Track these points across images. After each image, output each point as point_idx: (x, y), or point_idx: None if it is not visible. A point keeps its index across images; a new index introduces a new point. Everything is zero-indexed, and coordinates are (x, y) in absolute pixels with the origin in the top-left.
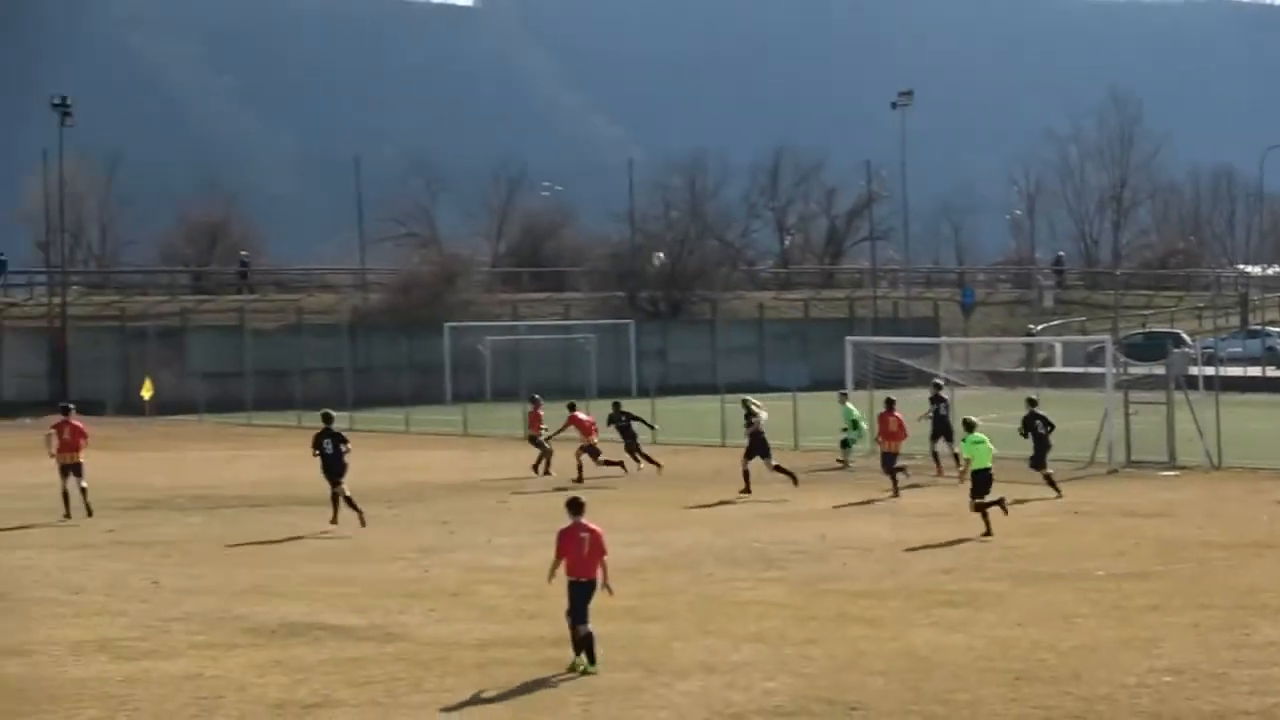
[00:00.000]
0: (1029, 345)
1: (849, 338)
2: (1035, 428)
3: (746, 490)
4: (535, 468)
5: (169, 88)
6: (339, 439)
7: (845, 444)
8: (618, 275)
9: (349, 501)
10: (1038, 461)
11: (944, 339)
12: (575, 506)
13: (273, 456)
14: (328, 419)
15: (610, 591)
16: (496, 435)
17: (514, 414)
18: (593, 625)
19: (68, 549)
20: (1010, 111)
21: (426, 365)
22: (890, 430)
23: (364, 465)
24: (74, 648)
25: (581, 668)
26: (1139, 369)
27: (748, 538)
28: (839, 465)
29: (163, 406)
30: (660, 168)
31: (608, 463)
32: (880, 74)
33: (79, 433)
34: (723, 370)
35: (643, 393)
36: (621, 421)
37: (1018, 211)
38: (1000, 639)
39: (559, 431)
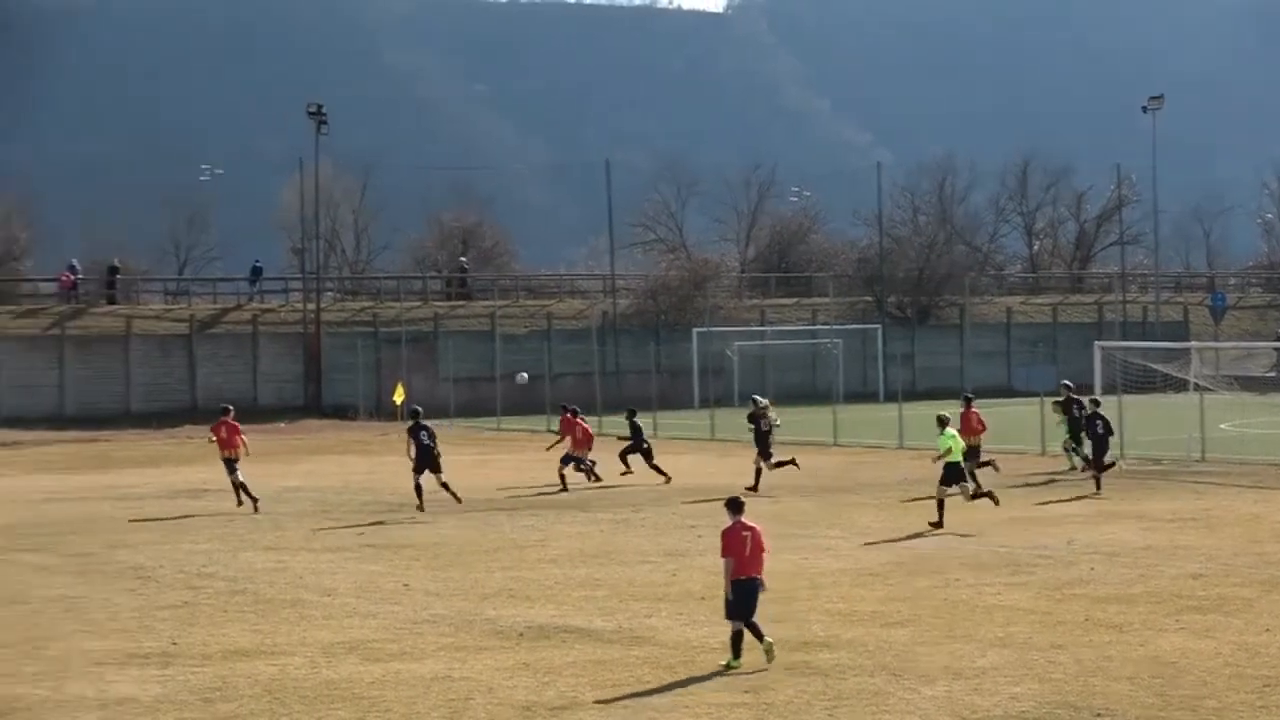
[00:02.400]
0: None
1: (1097, 342)
2: (1095, 428)
3: (753, 487)
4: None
5: (422, 96)
6: (431, 433)
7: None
8: (865, 279)
9: (445, 487)
10: (1097, 463)
11: (1194, 343)
12: (735, 506)
13: (520, 460)
14: (416, 414)
15: (763, 589)
16: (744, 440)
17: None
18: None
19: (319, 551)
20: (1262, 114)
21: (675, 369)
22: (972, 426)
23: (613, 469)
24: (325, 649)
25: (735, 667)
26: None
27: (994, 542)
28: (1073, 469)
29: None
30: (909, 172)
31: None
32: (1130, 77)
33: (235, 431)
34: (970, 374)
35: (890, 397)
36: (640, 433)
37: (1269, 215)
38: (1249, 645)
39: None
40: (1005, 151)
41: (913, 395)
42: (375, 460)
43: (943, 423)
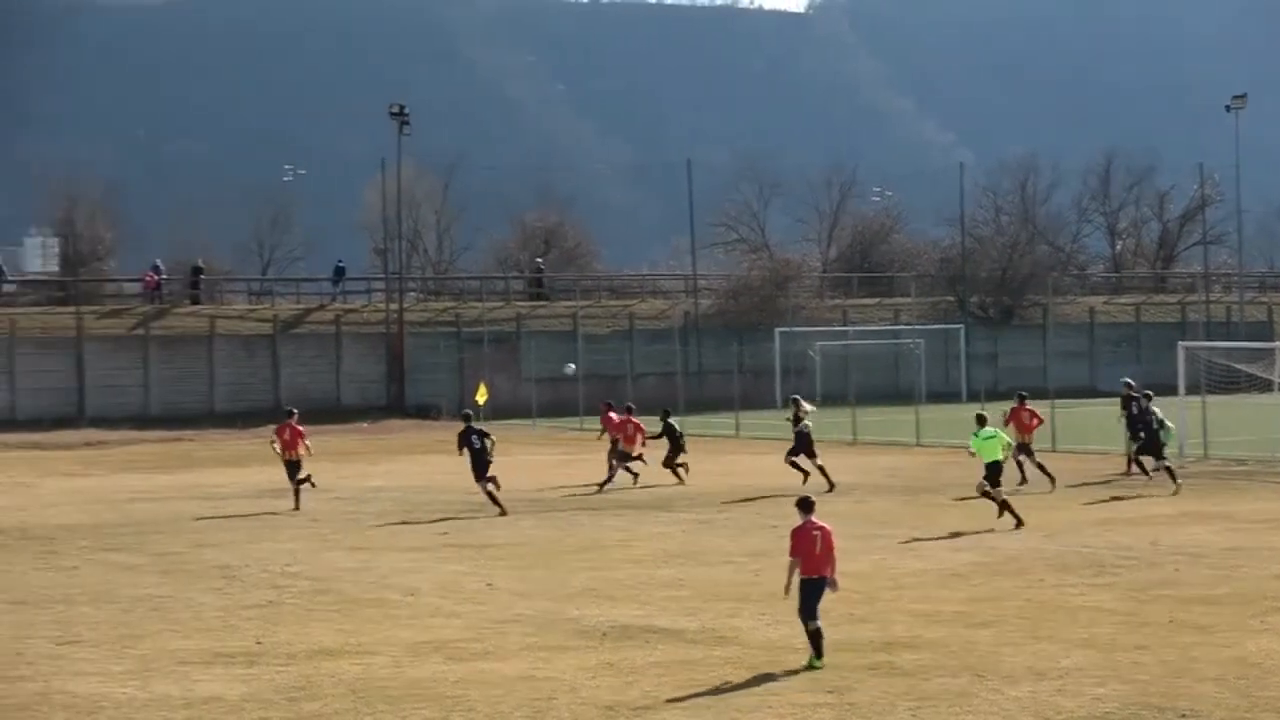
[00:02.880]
0: None
1: (1181, 343)
2: (1149, 422)
3: (805, 478)
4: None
5: (504, 96)
6: (484, 435)
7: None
8: (948, 279)
9: (491, 496)
10: (1156, 453)
11: (1278, 344)
12: (806, 506)
13: (602, 461)
14: (468, 418)
15: (834, 588)
16: (826, 440)
17: (843, 419)
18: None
19: (403, 551)
20: None
21: (757, 369)
22: (1024, 423)
23: (693, 468)
24: (409, 649)
25: (809, 661)
26: None
27: (1078, 543)
28: (1158, 469)
29: (497, 411)
30: (991, 172)
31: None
32: (1213, 76)
33: (297, 434)
34: (1053, 374)
35: (973, 397)
36: (675, 432)
37: None
38: None
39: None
40: (1088, 151)
41: (996, 395)
42: (458, 460)
43: (981, 421)
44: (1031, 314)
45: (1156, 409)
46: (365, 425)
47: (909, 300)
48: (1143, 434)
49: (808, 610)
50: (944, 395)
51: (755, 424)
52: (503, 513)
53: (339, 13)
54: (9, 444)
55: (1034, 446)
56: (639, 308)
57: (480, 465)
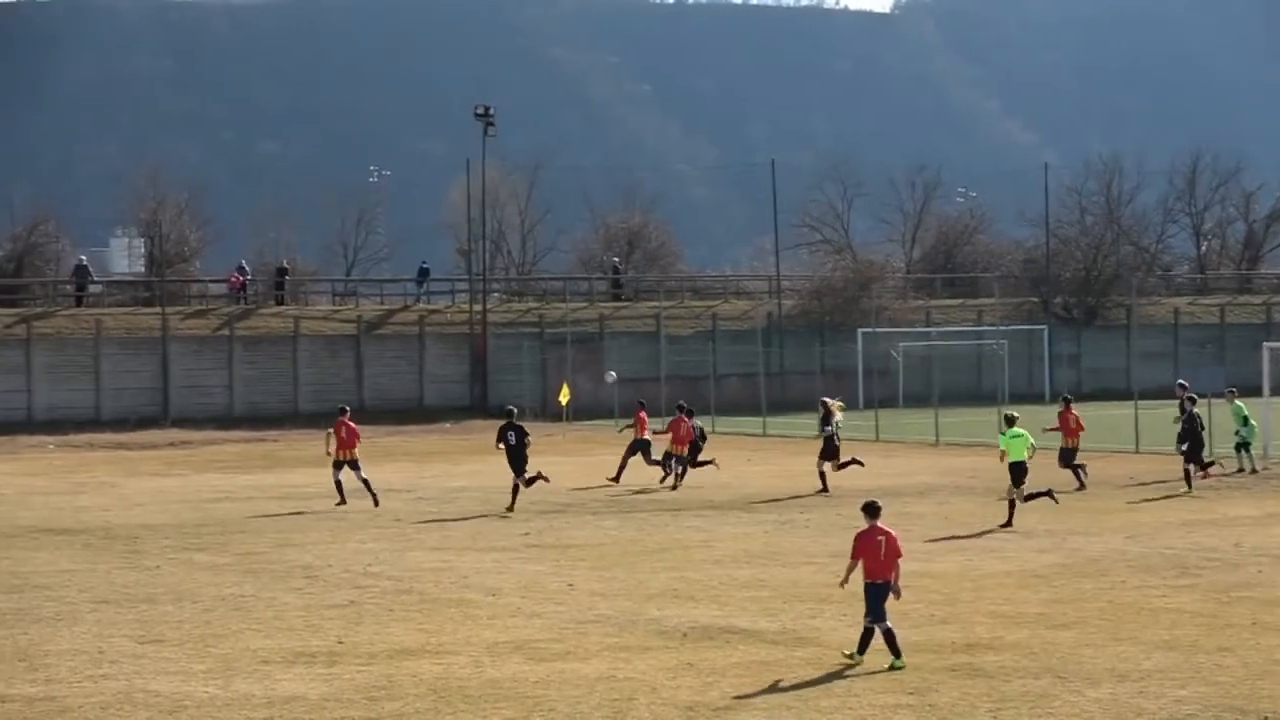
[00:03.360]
0: None
1: (1266, 343)
2: (1195, 426)
3: (824, 490)
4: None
5: (588, 96)
6: (521, 432)
7: (1241, 446)
8: (1031, 280)
9: (515, 490)
10: (1194, 455)
11: None
12: (871, 510)
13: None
14: (509, 414)
15: (898, 595)
16: (909, 441)
17: (926, 420)
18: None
19: (484, 551)
20: None
21: (839, 370)
22: (1069, 427)
23: (775, 470)
24: (490, 649)
25: (897, 666)
26: None
27: (1161, 544)
28: (1241, 470)
29: (579, 411)
30: (1075, 172)
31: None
32: None
33: (354, 432)
34: (1137, 375)
35: (1056, 398)
36: (696, 431)
37: None
38: None
39: (628, 426)
40: (1174, 151)
41: (1079, 396)
42: (540, 461)
43: (1010, 422)
44: (1115, 315)
45: (1198, 412)
46: (448, 426)
47: (992, 301)
48: (1187, 439)
49: (875, 613)
50: (1027, 396)
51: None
52: (510, 508)
53: (423, 15)
54: (94, 444)
55: (1078, 448)
56: (722, 308)
57: (517, 460)
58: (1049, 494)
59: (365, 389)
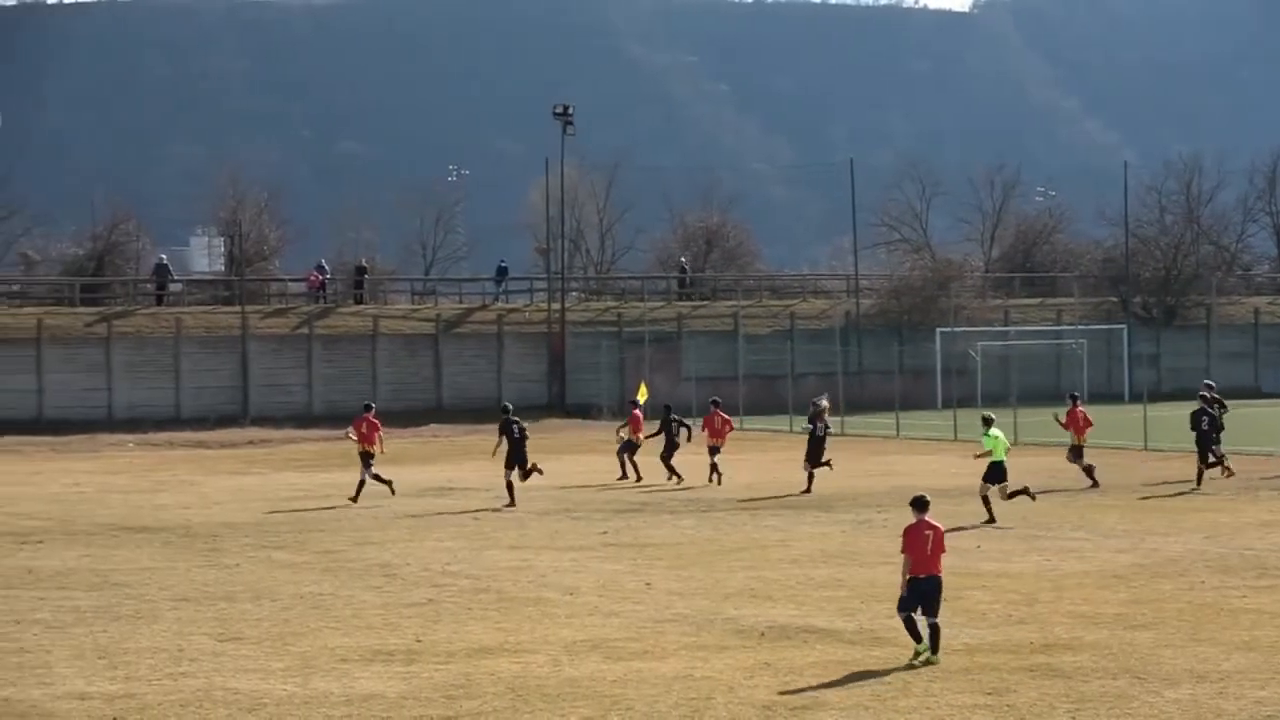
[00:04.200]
0: None
1: None
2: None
3: (807, 490)
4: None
5: (667, 95)
6: (521, 427)
7: None
8: (1110, 279)
9: (510, 485)
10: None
11: None
12: (919, 504)
13: (761, 461)
14: (506, 410)
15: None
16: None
17: (1004, 419)
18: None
19: (562, 550)
20: None
21: (917, 370)
22: (1078, 424)
23: (852, 469)
24: (567, 647)
25: (923, 657)
26: None
27: (1241, 545)
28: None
29: (655, 410)
30: (1155, 171)
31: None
32: None
33: (374, 428)
34: (1217, 375)
35: (1135, 398)
36: (673, 429)
37: None
38: None
39: (623, 426)
40: (1253, 150)
41: (1159, 396)
42: (617, 460)
43: (987, 423)
44: (1195, 314)
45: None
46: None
47: (1071, 300)
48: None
49: (926, 608)
50: (1106, 396)
51: (916, 425)
52: (511, 503)
53: (502, 14)
54: (174, 442)
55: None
56: (800, 307)
57: (517, 454)
58: (1026, 491)
59: (443, 388)
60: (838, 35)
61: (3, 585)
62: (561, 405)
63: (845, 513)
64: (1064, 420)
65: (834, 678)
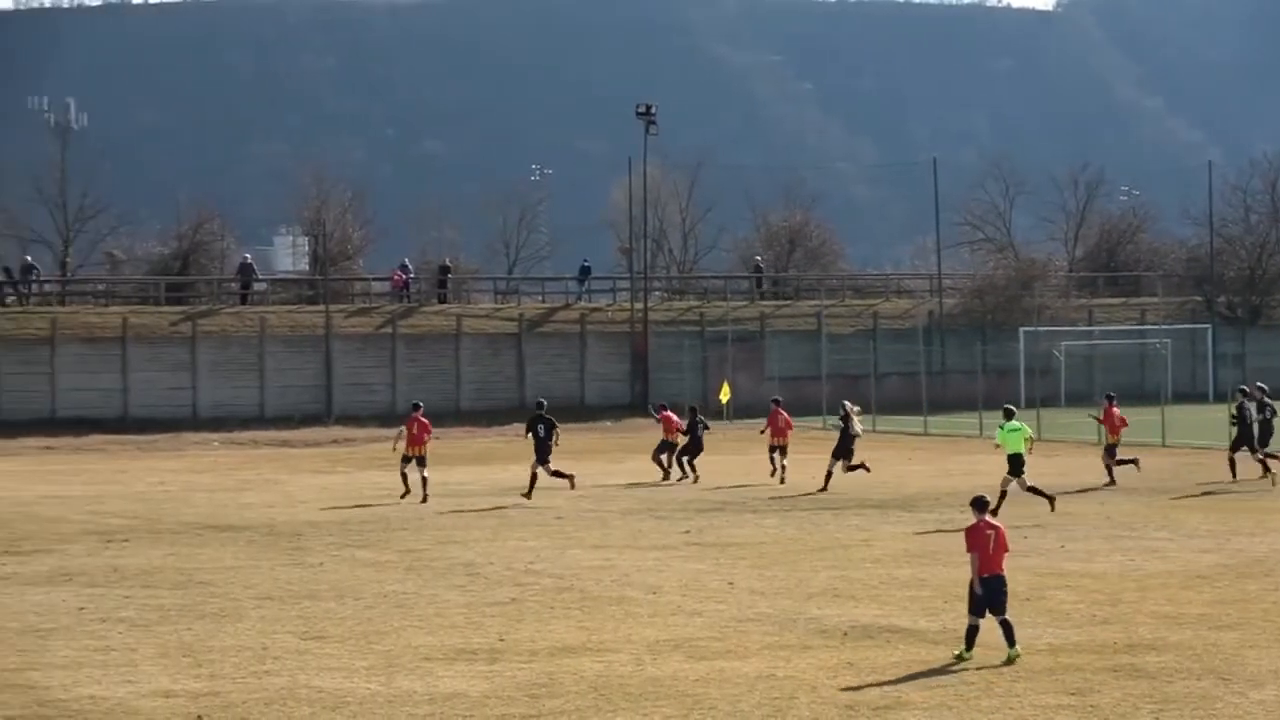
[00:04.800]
0: None
1: None
2: (1245, 420)
3: (824, 489)
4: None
5: (750, 94)
6: (550, 424)
7: None
8: (1195, 279)
9: (533, 481)
10: (1256, 445)
11: None
12: (979, 505)
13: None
14: (540, 405)
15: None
16: (1070, 441)
17: (1088, 419)
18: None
19: (645, 550)
20: None
21: (1001, 369)
22: (1113, 423)
23: (934, 470)
24: (650, 647)
25: (1011, 656)
26: None
27: None
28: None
29: (740, 410)
30: (1240, 171)
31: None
32: None
33: (425, 428)
34: None
35: (1220, 398)
36: (699, 430)
37: None
38: None
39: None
40: None
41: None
42: (701, 459)
43: (1008, 414)
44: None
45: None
46: (608, 424)
47: (1155, 300)
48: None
49: (994, 607)
50: (1190, 396)
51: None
52: (527, 495)
53: (585, 14)
54: (258, 441)
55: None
56: (883, 307)
57: (543, 450)
58: (1050, 499)
59: (527, 387)
60: (921, 34)
61: (89, 583)
62: (644, 405)
63: (929, 512)
64: (1100, 418)
65: (916, 677)
